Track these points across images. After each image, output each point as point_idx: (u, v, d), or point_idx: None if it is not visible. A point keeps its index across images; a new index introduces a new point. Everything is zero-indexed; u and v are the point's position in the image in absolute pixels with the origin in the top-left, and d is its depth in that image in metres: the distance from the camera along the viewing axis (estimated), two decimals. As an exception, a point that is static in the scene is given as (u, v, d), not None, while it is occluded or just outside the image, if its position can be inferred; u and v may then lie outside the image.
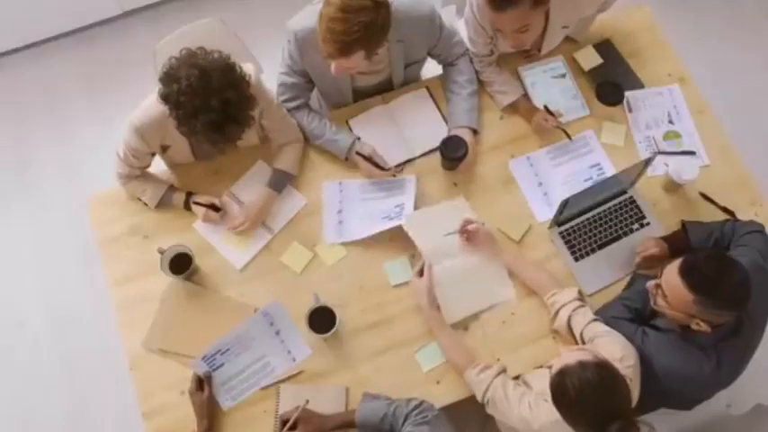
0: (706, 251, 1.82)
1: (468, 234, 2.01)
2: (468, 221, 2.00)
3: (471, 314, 1.99)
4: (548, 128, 2.14)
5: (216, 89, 1.66)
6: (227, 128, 1.70)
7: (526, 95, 2.22)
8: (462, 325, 1.98)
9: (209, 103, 1.65)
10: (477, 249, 2.02)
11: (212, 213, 2.05)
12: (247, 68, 1.84)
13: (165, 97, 1.71)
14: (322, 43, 1.78)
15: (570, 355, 1.53)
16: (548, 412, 1.61)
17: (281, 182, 2.10)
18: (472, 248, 2.02)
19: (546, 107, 2.15)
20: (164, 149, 2.01)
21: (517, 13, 1.77)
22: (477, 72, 2.21)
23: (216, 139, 1.73)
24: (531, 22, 1.85)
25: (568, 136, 2.15)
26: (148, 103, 1.88)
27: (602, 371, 1.48)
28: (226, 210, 2.09)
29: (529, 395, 1.69)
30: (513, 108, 2.22)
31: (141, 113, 1.89)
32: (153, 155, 2.04)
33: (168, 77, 1.70)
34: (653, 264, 1.97)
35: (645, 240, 2.00)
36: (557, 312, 1.88)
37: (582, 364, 1.48)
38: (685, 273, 1.61)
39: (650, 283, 1.71)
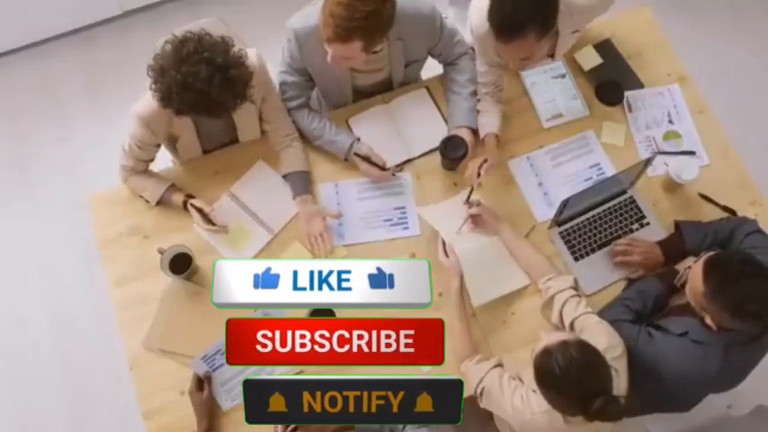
0: (742, 253, 1.72)
1: (474, 219, 2.03)
2: (469, 205, 2.02)
3: (498, 297, 1.98)
4: (471, 179, 2.03)
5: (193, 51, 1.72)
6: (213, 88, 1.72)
7: (497, 135, 2.11)
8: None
9: (190, 59, 1.70)
10: (482, 228, 2.04)
11: (203, 223, 2.01)
12: (251, 53, 1.88)
13: (155, 77, 1.76)
14: (322, 27, 1.79)
15: (551, 336, 1.59)
16: (538, 403, 1.65)
17: (303, 183, 2.09)
18: (481, 230, 2.04)
19: (479, 172, 2.00)
20: (172, 141, 2.01)
21: (522, 43, 1.78)
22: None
23: (208, 100, 1.73)
24: (535, 51, 1.86)
25: (468, 199, 2.03)
26: (151, 93, 1.89)
27: (584, 349, 1.54)
28: (217, 223, 2.02)
29: (521, 388, 1.72)
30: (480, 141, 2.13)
31: (144, 102, 1.90)
32: (158, 147, 2.04)
33: (155, 62, 1.77)
34: (636, 268, 1.99)
35: (635, 242, 2.00)
36: (551, 298, 1.87)
37: (565, 343, 1.54)
38: (709, 263, 1.61)
39: (686, 261, 1.70)
